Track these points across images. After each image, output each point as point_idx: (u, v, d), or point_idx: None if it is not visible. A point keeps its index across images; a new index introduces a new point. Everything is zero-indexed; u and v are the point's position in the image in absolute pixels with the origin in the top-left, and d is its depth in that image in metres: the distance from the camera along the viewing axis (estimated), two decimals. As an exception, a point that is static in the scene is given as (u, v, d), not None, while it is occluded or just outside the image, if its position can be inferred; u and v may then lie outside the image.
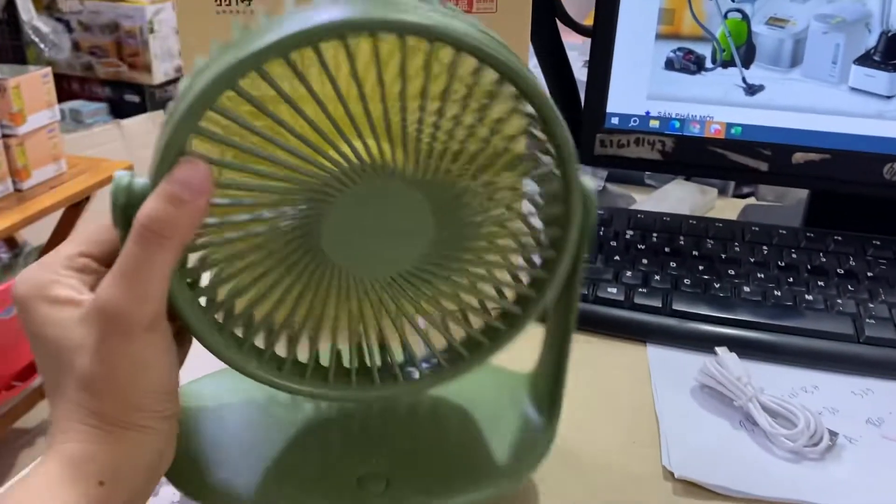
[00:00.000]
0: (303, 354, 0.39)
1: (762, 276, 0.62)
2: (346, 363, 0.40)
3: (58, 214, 1.67)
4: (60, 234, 1.73)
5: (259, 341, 0.39)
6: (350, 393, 0.40)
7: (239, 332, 0.38)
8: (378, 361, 0.40)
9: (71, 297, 0.33)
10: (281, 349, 0.39)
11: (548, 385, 0.44)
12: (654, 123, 0.69)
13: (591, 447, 0.48)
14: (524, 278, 0.41)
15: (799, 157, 0.67)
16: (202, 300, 0.37)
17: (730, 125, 0.68)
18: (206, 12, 0.51)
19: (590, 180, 0.42)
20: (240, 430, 0.44)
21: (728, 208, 0.82)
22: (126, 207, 0.33)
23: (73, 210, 1.69)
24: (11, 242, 1.91)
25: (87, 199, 1.68)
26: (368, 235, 0.36)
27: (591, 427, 0.49)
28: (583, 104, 0.71)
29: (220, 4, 0.51)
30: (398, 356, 0.40)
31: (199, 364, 0.43)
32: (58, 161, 1.66)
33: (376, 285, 0.38)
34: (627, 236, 0.67)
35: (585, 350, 0.56)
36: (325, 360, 0.40)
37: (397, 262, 0.37)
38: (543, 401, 0.45)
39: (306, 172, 0.34)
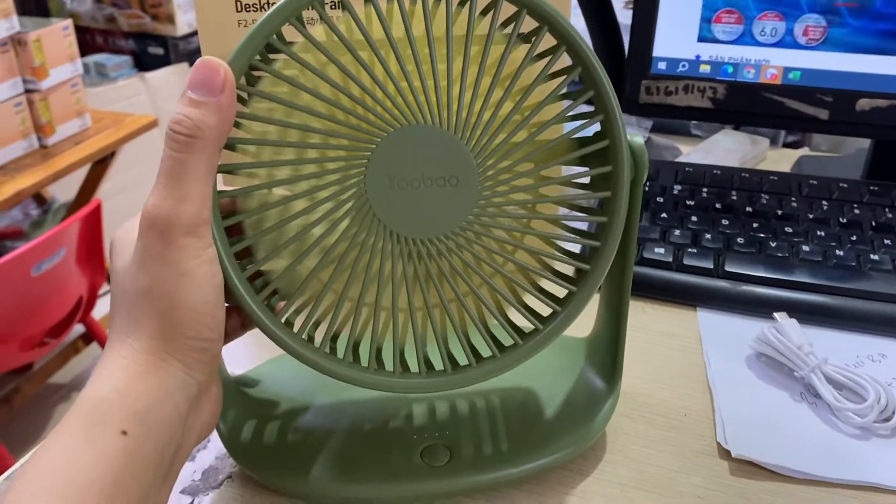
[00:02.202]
0: (362, 346, 0.37)
1: (822, 234, 0.57)
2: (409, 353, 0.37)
3: (84, 170, 1.65)
4: (87, 190, 1.72)
5: (316, 330, 0.36)
6: (418, 382, 0.37)
7: (297, 321, 0.36)
8: (442, 346, 0.37)
9: None
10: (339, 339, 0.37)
11: (607, 348, 0.42)
12: (705, 69, 0.64)
13: (641, 421, 0.44)
14: (583, 252, 0.38)
15: (863, 103, 0.61)
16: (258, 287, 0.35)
17: (787, 70, 0.63)
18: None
19: (638, 135, 0.38)
20: (300, 407, 0.43)
21: (780, 159, 0.76)
22: None
23: (99, 166, 1.67)
24: (40, 199, 1.90)
25: (113, 154, 1.66)
26: (415, 188, 0.34)
27: (640, 399, 0.46)
28: (627, 49, 0.66)
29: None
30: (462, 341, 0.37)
31: (259, 352, 0.40)
32: (82, 116, 1.64)
33: (433, 249, 0.34)
34: (675, 192, 0.63)
35: (631, 315, 0.52)
36: (387, 354, 0.37)
37: (446, 218, 0.35)
38: (603, 365, 0.43)
39: (357, 115, 0.33)
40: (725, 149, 0.75)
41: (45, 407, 1.75)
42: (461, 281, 0.36)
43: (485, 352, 0.38)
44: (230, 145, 0.34)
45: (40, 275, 1.41)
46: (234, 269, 0.34)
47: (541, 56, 0.35)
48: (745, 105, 0.64)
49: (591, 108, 0.37)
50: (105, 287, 1.71)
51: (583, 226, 0.45)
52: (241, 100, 0.34)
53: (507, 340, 0.38)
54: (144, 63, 2.32)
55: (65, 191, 1.81)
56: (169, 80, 2.29)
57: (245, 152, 0.35)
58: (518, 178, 0.35)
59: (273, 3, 0.47)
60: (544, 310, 0.38)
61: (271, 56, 0.34)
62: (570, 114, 0.36)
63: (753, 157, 0.75)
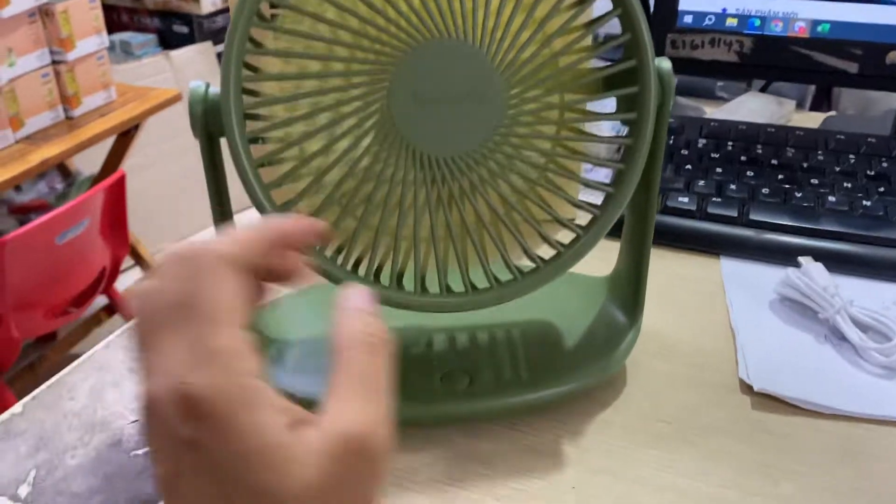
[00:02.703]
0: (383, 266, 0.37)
1: (849, 185, 0.56)
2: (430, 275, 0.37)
3: (108, 143, 1.67)
4: (112, 163, 1.73)
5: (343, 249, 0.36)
6: (440, 301, 0.37)
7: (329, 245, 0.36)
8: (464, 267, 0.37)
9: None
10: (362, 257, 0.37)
11: (629, 283, 0.42)
12: (732, 22, 0.63)
13: (662, 359, 0.44)
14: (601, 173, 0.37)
15: (893, 56, 0.60)
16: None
17: (816, 22, 0.62)
18: None
19: (665, 59, 0.38)
20: (318, 335, 0.42)
21: (806, 121, 0.75)
22: (204, 114, 0.34)
23: (124, 138, 1.68)
24: (65, 172, 1.92)
25: (137, 126, 1.67)
26: (440, 105, 0.34)
27: (662, 338, 0.46)
28: (652, 2, 0.66)
29: None
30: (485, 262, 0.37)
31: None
32: (107, 89, 1.65)
33: (455, 167, 0.34)
34: (700, 145, 0.62)
35: (654, 262, 0.52)
36: (408, 280, 0.37)
37: (471, 135, 0.34)
38: (625, 300, 0.43)
39: (379, 27, 0.33)
40: (750, 110, 0.74)
41: (68, 376, 1.78)
42: (483, 202, 0.36)
43: (506, 278, 0.38)
44: (253, 67, 0.34)
45: (64, 243, 1.42)
46: (262, 188, 0.34)
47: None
48: (772, 59, 0.63)
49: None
50: (128, 261, 1.73)
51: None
52: (263, 18, 0.34)
53: (528, 268, 0.38)
54: (169, 41, 2.33)
55: (90, 164, 1.83)
56: (193, 58, 2.30)
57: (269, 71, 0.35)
58: (542, 98, 0.35)
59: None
60: (567, 237, 0.38)
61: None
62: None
63: (779, 118, 0.74)
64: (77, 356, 1.56)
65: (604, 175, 0.55)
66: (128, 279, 1.82)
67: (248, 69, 0.34)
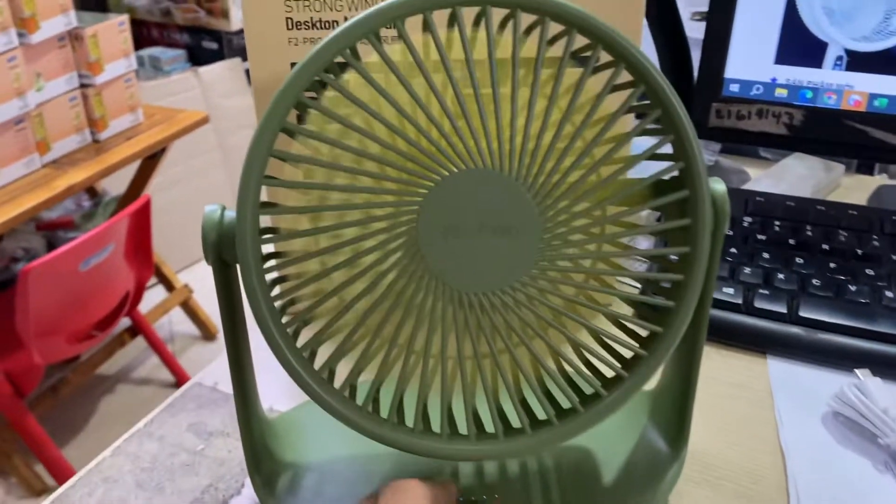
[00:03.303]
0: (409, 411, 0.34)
1: (908, 278, 0.53)
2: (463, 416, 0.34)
3: (135, 164, 1.66)
4: (137, 185, 1.72)
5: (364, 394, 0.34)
6: (467, 450, 0.34)
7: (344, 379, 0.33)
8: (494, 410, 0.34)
9: None
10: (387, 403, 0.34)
11: (674, 408, 0.39)
12: (781, 92, 0.60)
13: (707, 486, 0.41)
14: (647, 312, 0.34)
15: (957, 135, 0.56)
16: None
17: (873, 96, 0.58)
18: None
19: (718, 181, 0.34)
20: (339, 457, 0.40)
21: (857, 188, 0.72)
22: (217, 244, 0.32)
23: (150, 161, 1.68)
24: (91, 190, 1.92)
25: (164, 150, 1.66)
26: (471, 237, 0.31)
27: (706, 459, 0.42)
28: (696, 64, 0.62)
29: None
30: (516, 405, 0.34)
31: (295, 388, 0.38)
32: (134, 111, 1.64)
33: (486, 303, 0.31)
34: (745, 224, 0.59)
35: (695, 361, 0.49)
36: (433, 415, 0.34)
37: (504, 272, 0.31)
38: (668, 425, 0.40)
39: (410, 157, 0.30)
40: (797, 175, 0.70)
41: (90, 398, 1.77)
42: (516, 339, 0.33)
43: (539, 412, 0.35)
44: (275, 177, 0.32)
45: (88, 270, 1.42)
46: (277, 325, 0.31)
47: (615, 89, 0.32)
48: (824, 133, 0.60)
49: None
50: (152, 280, 1.72)
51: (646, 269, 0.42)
52: (288, 132, 0.31)
53: (564, 402, 0.35)
54: (198, 57, 2.32)
55: (116, 184, 1.82)
56: (222, 74, 2.30)
57: (287, 195, 0.33)
58: (584, 227, 0.32)
59: (323, 21, 0.45)
60: (608, 371, 0.34)
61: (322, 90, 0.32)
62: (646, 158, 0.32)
63: (827, 184, 0.70)
64: (100, 377, 1.55)
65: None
66: (150, 299, 1.81)
67: (264, 206, 0.31)
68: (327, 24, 0.45)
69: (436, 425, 0.34)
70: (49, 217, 1.90)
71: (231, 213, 0.32)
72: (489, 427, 0.34)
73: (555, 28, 0.31)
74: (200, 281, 2.01)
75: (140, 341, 1.78)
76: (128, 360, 1.87)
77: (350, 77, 0.31)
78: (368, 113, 0.30)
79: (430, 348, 0.33)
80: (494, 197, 0.31)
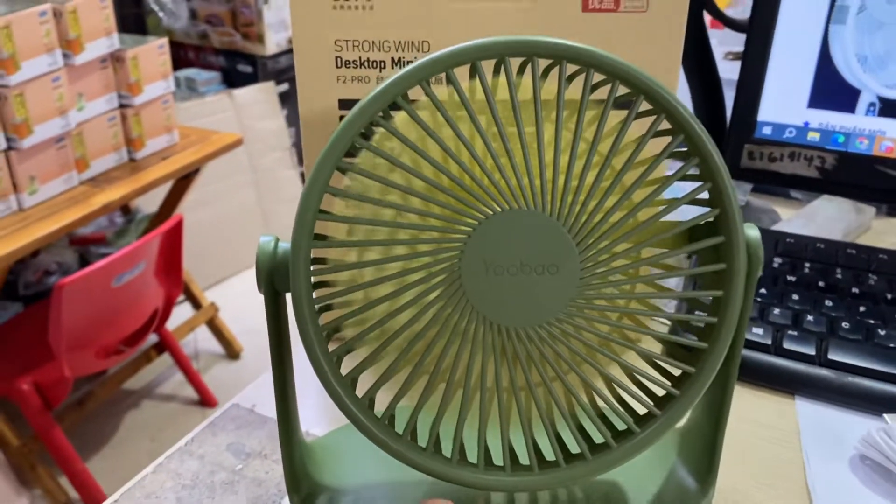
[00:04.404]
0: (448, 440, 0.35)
1: (937, 323, 0.53)
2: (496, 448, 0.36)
3: (169, 183, 1.69)
4: (170, 203, 1.76)
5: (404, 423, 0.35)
6: (501, 481, 0.35)
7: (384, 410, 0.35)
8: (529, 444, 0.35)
9: None
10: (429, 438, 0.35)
11: (703, 447, 0.40)
12: (814, 136, 0.61)
13: (733, 526, 0.41)
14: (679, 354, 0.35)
15: None
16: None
17: (905, 142, 0.59)
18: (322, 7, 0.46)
19: (752, 226, 0.35)
20: (375, 483, 0.41)
21: (888, 230, 0.72)
22: (270, 273, 0.34)
23: (183, 181, 1.71)
24: (125, 208, 1.96)
25: (197, 170, 1.69)
26: (513, 276, 0.32)
27: (733, 497, 0.43)
28: (729, 105, 0.64)
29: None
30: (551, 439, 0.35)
31: (334, 412, 0.39)
32: (170, 132, 1.68)
33: (527, 339, 0.32)
34: (775, 265, 0.59)
35: (724, 400, 0.50)
36: (470, 446, 0.35)
37: (543, 308, 0.33)
38: (698, 463, 0.41)
39: (457, 197, 0.32)
40: (827, 217, 0.71)
41: (116, 412, 1.80)
42: (553, 373, 0.34)
43: (573, 448, 0.35)
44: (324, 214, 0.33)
45: (120, 286, 1.44)
46: (321, 345, 0.33)
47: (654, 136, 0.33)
48: (855, 177, 0.60)
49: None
50: (180, 297, 1.75)
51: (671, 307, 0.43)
52: (341, 170, 0.33)
53: (597, 436, 0.36)
54: (233, 79, 2.37)
55: (149, 202, 1.86)
56: (256, 97, 2.34)
57: (339, 229, 0.34)
58: (621, 270, 0.33)
59: (371, 61, 0.47)
60: (640, 408, 0.35)
61: (373, 127, 0.33)
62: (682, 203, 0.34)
63: (858, 226, 0.71)
64: (126, 392, 1.57)
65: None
66: (178, 316, 1.84)
67: (317, 238, 0.32)
68: (374, 64, 0.46)
69: (472, 456, 0.35)
70: (82, 233, 1.94)
71: (284, 245, 0.34)
72: (523, 459, 0.35)
73: (598, 76, 0.32)
74: (226, 299, 2.04)
75: (165, 358, 1.81)
76: (153, 376, 1.89)
77: (398, 117, 0.33)
78: (416, 152, 0.31)
79: (470, 378, 0.34)
80: (536, 236, 0.32)
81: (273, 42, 2.34)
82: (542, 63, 0.32)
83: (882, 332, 0.52)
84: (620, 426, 0.36)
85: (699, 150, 0.32)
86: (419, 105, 0.32)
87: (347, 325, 0.33)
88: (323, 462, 0.41)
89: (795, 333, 0.53)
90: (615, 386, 0.34)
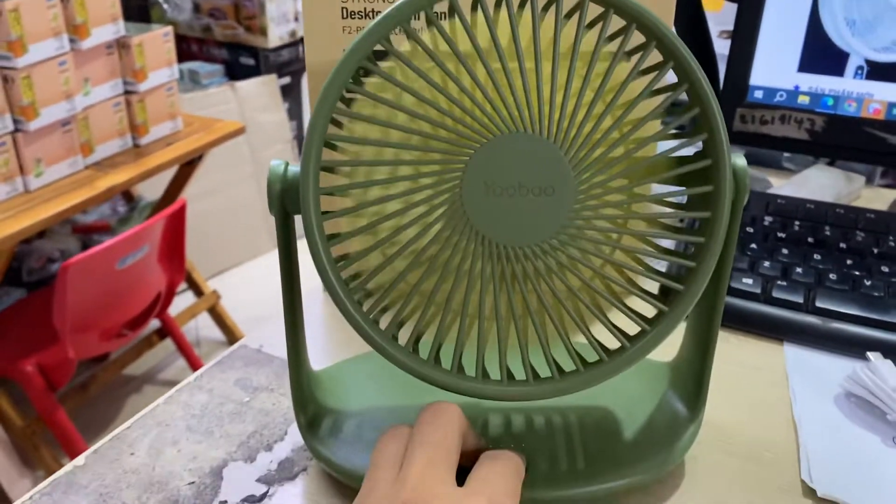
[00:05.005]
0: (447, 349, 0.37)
1: (922, 275, 0.55)
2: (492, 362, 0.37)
3: (171, 170, 1.71)
4: (173, 190, 1.78)
5: (408, 330, 0.37)
6: (498, 389, 0.37)
7: (383, 319, 0.37)
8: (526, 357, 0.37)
9: None
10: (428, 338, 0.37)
11: (692, 375, 0.42)
12: (804, 99, 0.63)
13: (722, 453, 0.43)
14: (670, 269, 0.37)
15: (973, 143, 0.59)
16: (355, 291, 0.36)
17: (892, 104, 0.61)
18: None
19: (740, 155, 0.37)
20: (377, 407, 0.43)
21: (876, 199, 0.74)
22: (281, 194, 0.36)
23: (187, 167, 1.73)
24: (128, 196, 1.98)
25: (201, 157, 1.71)
26: (511, 196, 0.34)
27: (722, 430, 0.45)
28: (722, 75, 0.65)
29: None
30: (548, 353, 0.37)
31: (339, 350, 0.41)
32: (174, 119, 1.70)
33: (521, 254, 0.34)
34: (766, 223, 0.61)
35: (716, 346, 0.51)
36: (468, 361, 0.37)
37: (540, 227, 0.34)
38: (687, 391, 0.43)
39: (458, 119, 0.33)
40: (818, 184, 0.73)
41: (118, 396, 1.81)
42: (548, 290, 0.36)
43: (568, 367, 0.37)
44: (332, 144, 0.35)
45: (124, 269, 1.46)
46: (331, 264, 0.35)
47: (645, 71, 0.35)
48: (844, 139, 0.62)
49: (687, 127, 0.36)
50: (182, 285, 1.77)
51: (671, 246, 0.44)
52: (345, 101, 0.34)
53: (591, 357, 0.37)
54: (236, 72, 2.39)
55: (152, 190, 1.88)
56: (258, 90, 2.36)
57: (345, 152, 0.36)
58: (614, 192, 0.35)
59: (376, 11, 0.49)
60: (632, 328, 0.37)
61: (378, 62, 0.35)
62: (672, 131, 0.36)
63: (848, 194, 0.73)
64: (128, 377, 1.60)
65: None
66: (180, 303, 1.86)
67: (327, 147, 0.34)
68: (380, 14, 0.48)
69: (471, 372, 0.37)
70: (85, 220, 1.96)
71: (294, 168, 0.36)
72: (520, 377, 0.37)
73: (593, 12, 0.34)
74: (228, 289, 2.05)
75: (168, 344, 1.83)
76: (155, 361, 1.91)
77: (406, 48, 0.34)
78: (420, 76, 0.33)
79: (468, 301, 0.36)
80: (534, 158, 0.34)
81: (275, 35, 2.36)
82: (541, 1, 0.34)
83: (868, 283, 0.54)
84: (614, 346, 0.37)
85: (687, 75, 0.34)
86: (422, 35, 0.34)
87: (355, 241, 0.35)
88: (328, 388, 0.43)
89: (784, 283, 0.54)
90: (610, 301, 0.36)
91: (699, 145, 0.36)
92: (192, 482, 0.41)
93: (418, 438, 0.33)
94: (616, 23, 0.34)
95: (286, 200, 0.36)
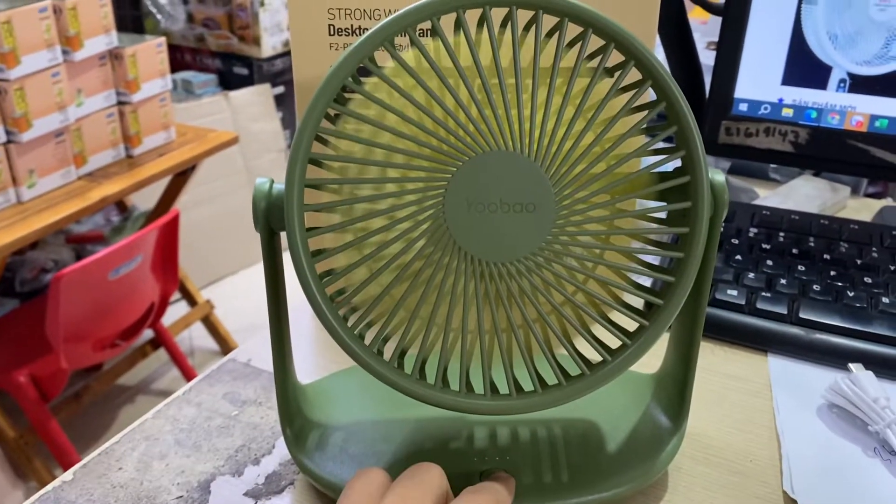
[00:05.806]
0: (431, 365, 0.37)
1: (904, 286, 0.56)
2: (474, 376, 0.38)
3: (165, 180, 1.72)
4: (166, 201, 1.78)
5: (391, 345, 0.37)
6: (482, 404, 0.37)
7: (368, 334, 0.37)
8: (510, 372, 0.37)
9: None
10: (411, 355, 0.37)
11: (675, 386, 0.42)
12: (788, 112, 0.63)
13: (705, 463, 0.44)
14: (654, 284, 0.38)
15: (954, 155, 0.60)
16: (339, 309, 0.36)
17: (874, 117, 0.61)
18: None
19: (719, 172, 0.38)
20: (364, 420, 0.44)
21: (861, 209, 0.75)
22: (266, 211, 0.36)
23: (180, 177, 1.73)
24: (121, 206, 1.98)
25: (194, 167, 1.72)
26: (493, 213, 0.35)
27: (705, 441, 0.45)
28: (708, 87, 0.66)
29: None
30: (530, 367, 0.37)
31: (327, 364, 0.41)
32: (168, 129, 1.70)
33: (504, 272, 0.35)
34: (751, 234, 0.62)
35: (700, 356, 0.51)
36: (452, 375, 0.38)
37: (521, 243, 0.35)
38: (670, 402, 0.43)
39: (440, 138, 0.34)
40: (804, 195, 0.73)
41: (111, 406, 1.81)
42: (531, 305, 0.36)
43: (551, 380, 0.38)
44: (317, 161, 0.36)
45: (117, 279, 1.46)
46: (315, 281, 0.35)
47: (625, 89, 0.36)
48: (827, 151, 0.63)
49: (671, 145, 0.37)
50: (175, 295, 1.77)
51: (655, 261, 0.45)
52: (330, 118, 0.35)
53: (573, 370, 0.38)
54: (229, 82, 2.40)
55: (145, 200, 1.88)
56: (251, 99, 2.37)
57: (331, 170, 0.36)
58: (595, 208, 0.36)
59: (363, 29, 0.49)
60: (613, 342, 0.38)
61: (362, 79, 0.36)
62: (652, 148, 0.36)
63: (833, 204, 0.74)
64: (122, 387, 1.60)
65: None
66: (173, 313, 1.86)
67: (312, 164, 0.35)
68: (366, 32, 0.49)
69: (455, 386, 0.37)
70: (79, 231, 1.96)
71: (279, 186, 0.36)
72: (504, 391, 0.38)
73: (573, 32, 0.35)
74: (221, 300, 2.05)
75: (161, 354, 1.83)
76: (149, 371, 1.91)
77: (386, 68, 0.35)
78: (402, 95, 0.34)
79: (452, 316, 0.36)
80: (514, 176, 0.34)
81: (269, 45, 2.37)
82: (522, 21, 0.35)
83: (851, 294, 0.55)
84: (596, 359, 0.38)
85: (665, 94, 0.35)
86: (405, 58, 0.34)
87: (340, 256, 0.36)
88: (315, 402, 0.44)
89: (769, 295, 0.55)
90: (591, 316, 0.37)
91: (679, 161, 0.36)
92: (181, 496, 0.41)
93: (399, 491, 0.33)
94: (596, 42, 0.35)
95: (271, 218, 0.36)
